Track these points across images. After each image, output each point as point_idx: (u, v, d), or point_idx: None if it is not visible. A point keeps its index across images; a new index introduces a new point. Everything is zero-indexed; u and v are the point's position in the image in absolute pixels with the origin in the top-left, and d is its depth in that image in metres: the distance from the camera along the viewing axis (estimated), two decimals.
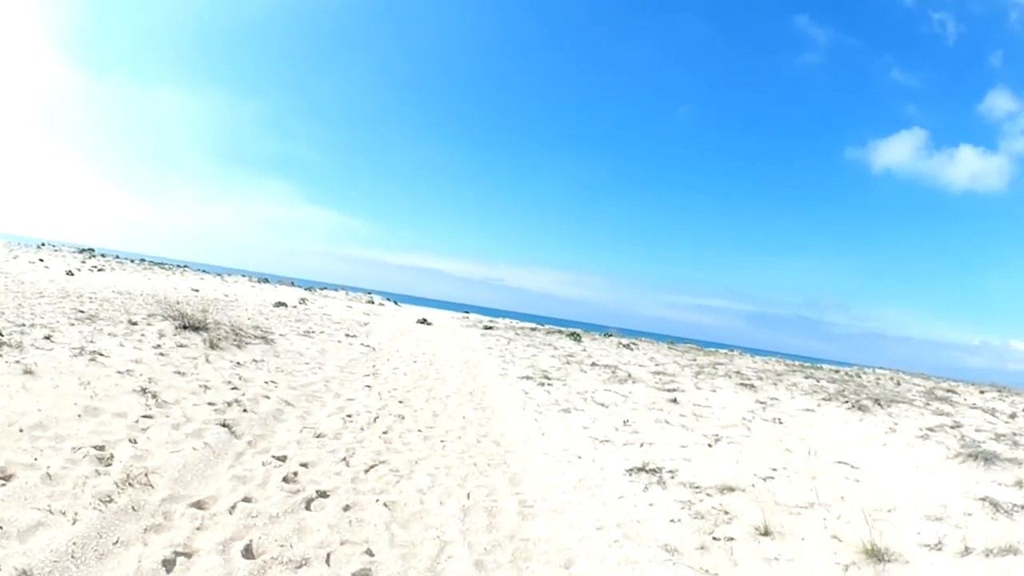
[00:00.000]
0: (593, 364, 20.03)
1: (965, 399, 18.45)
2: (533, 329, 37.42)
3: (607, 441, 10.46)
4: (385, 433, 9.31)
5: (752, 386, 17.09)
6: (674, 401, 14.20)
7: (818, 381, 19.26)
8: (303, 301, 33.48)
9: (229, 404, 9.34)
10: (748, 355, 35.41)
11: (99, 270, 37.17)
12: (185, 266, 58.17)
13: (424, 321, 32.61)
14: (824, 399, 15.39)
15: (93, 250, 55.21)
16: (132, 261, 51.13)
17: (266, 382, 11.30)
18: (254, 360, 12.90)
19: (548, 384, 15.32)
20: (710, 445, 10.73)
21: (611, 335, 36.22)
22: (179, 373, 10.47)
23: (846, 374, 25.40)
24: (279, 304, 28.29)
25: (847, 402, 14.84)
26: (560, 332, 34.71)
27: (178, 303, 21.87)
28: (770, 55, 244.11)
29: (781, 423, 12.79)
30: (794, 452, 10.58)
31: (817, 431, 12.30)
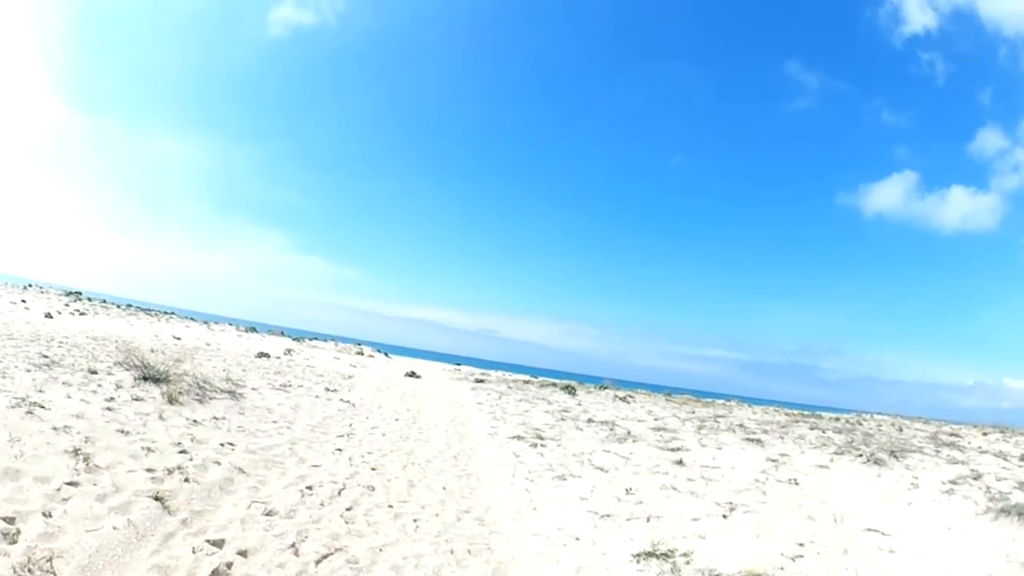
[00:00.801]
0: (589, 420, 18.63)
1: (970, 443, 17.91)
2: (526, 382, 36.05)
3: (608, 516, 9.06)
4: (349, 510, 7.88)
5: (759, 441, 15.85)
6: (679, 463, 12.86)
7: (824, 432, 18.24)
8: (288, 352, 32.10)
9: (170, 471, 7.93)
10: (746, 405, 34.71)
11: (81, 314, 36.22)
12: (172, 313, 56.80)
13: (412, 374, 31.13)
14: (835, 453, 14.28)
15: (80, 293, 54.34)
16: (118, 306, 50.14)
17: (222, 444, 9.90)
18: (214, 418, 11.51)
19: (541, 445, 13.92)
20: (725, 516, 9.45)
21: (606, 387, 34.92)
22: (122, 432, 9.07)
23: (847, 422, 24.72)
24: (261, 355, 26.92)
25: (860, 455, 13.74)
26: (554, 385, 33.34)
27: (152, 351, 20.70)
28: (761, 101, 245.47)
29: (797, 484, 11.60)
30: (818, 520, 9.40)
31: (836, 491, 11.15)
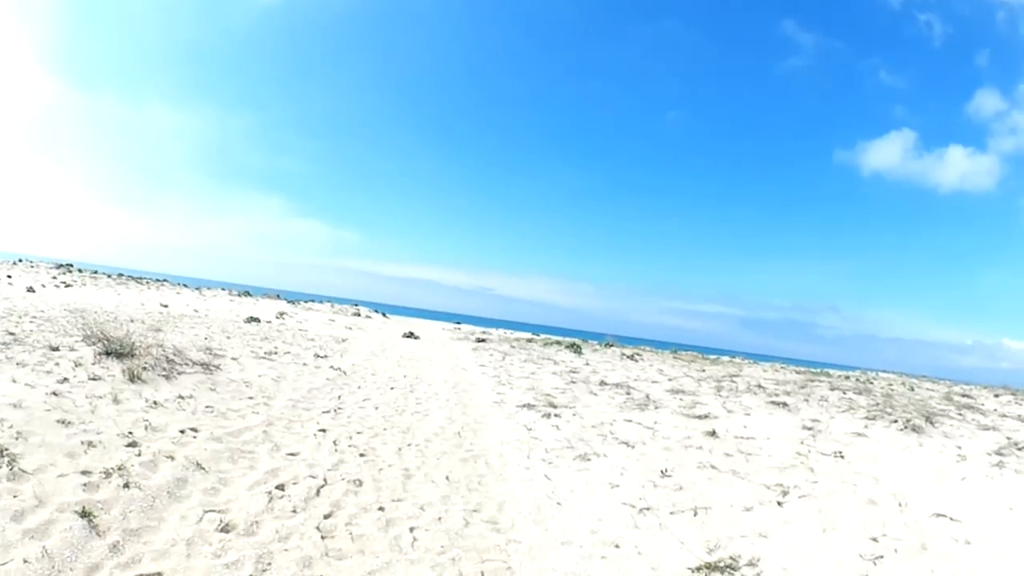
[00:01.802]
0: (602, 383, 17.01)
1: (983, 404, 17.22)
2: (529, 340, 34.46)
3: (648, 509, 7.40)
4: (328, 517, 6.15)
5: (784, 404, 14.47)
6: (712, 434, 11.29)
7: (844, 393, 16.99)
8: (281, 315, 30.41)
9: (109, 474, 6.22)
10: (751, 362, 34.10)
11: (67, 286, 34.95)
12: (165, 280, 55.24)
13: (411, 335, 29.40)
14: (867, 417, 13.03)
15: (72, 265, 52.90)
16: (109, 276, 48.41)
17: (182, 431, 8.22)
18: (179, 397, 9.82)
19: (555, 415, 12.23)
20: (779, 503, 7.87)
21: (611, 345, 33.57)
22: (63, 423, 7.40)
23: (859, 380, 23.68)
24: (251, 319, 25.24)
25: (895, 421, 12.54)
26: (558, 343, 31.75)
27: (131, 321, 19.08)
28: (757, 60, 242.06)
29: (843, 457, 10.15)
30: (881, 505, 7.94)
31: (885, 466, 9.74)
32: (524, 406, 12.96)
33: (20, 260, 53.54)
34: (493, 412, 12.33)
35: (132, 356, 11.16)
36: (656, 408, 13.55)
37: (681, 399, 14.96)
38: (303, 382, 12.78)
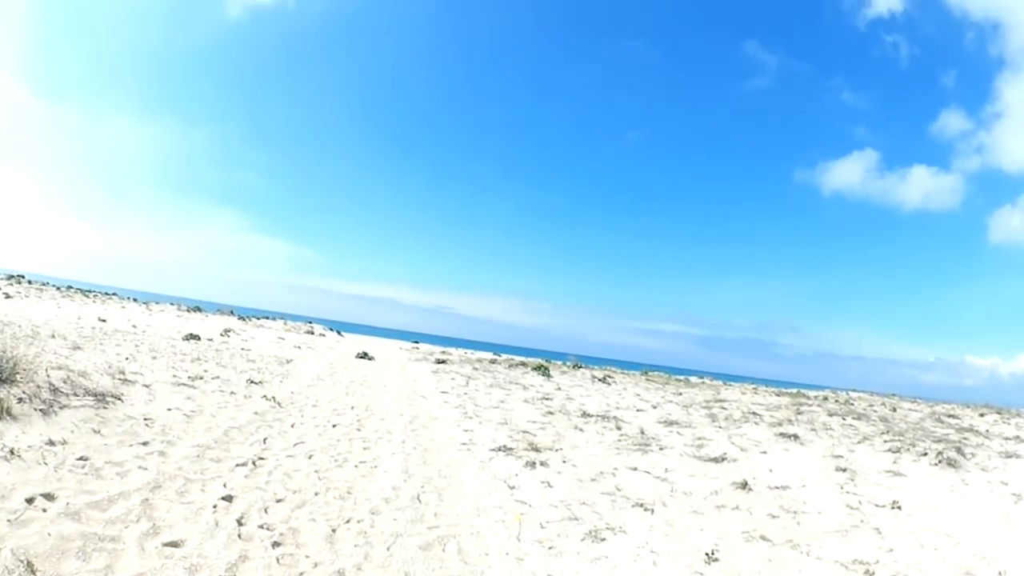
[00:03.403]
0: (584, 414, 14.53)
1: (979, 426, 16.23)
2: (492, 361, 31.62)
3: None
4: None
5: (795, 436, 12.66)
6: (743, 486, 9.11)
7: (844, 419, 15.71)
8: (226, 332, 27.33)
9: None
10: (723, 383, 32.25)
11: (7, 297, 31.74)
12: (115, 294, 51.67)
13: (364, 355, 26.36)
14: (891, 451, 11.60)
15: (24, 276, 49.08)
16: (58, 288, 44.88)
17: (30, 499, 5.64)
18: (48, 443, 7.07)
19: (540, 462, 9.60)
20: None
21: (579, 366, 31.04)
22: None
23: (838, 402, 22.68)
24: (190, 337, 22.19)
25: (923, 454, 11.16)
26: (524, 364, 29.10)
27: (52, 337, 16.13)
28: (719, 80, 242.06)
29: (900, 508, 8.46)
30: None
31: (946, 516, 8.24)
32: (500, 449, 10.24)
33: None
34: (461, 459, 9.59)
35: (9, 382, 8.35)
36: (661, 449, 11.20)
37: (680, 434, 12.75)
38: (223, 418, 9.88)
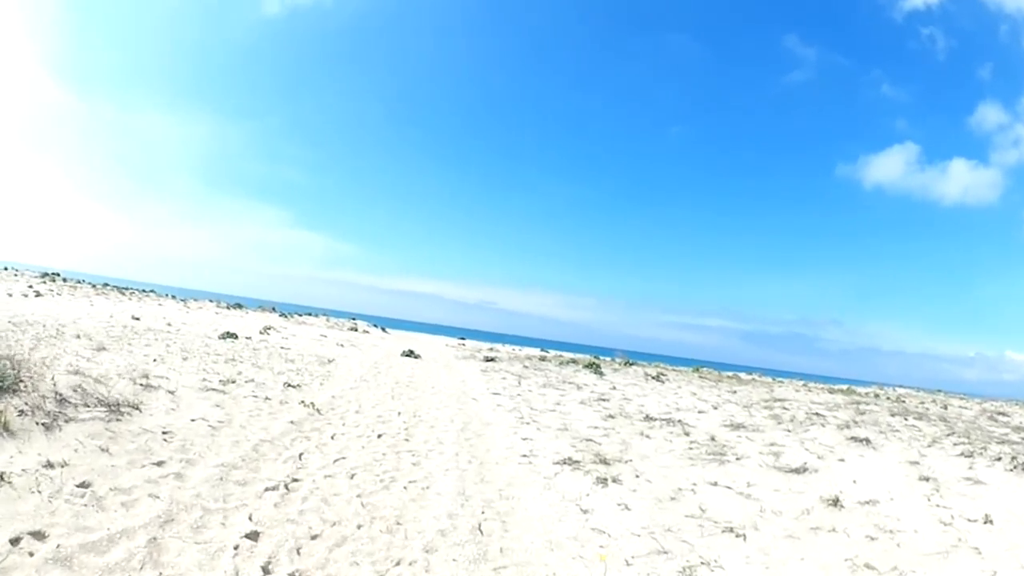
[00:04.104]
0: (647, 417, 13.36)
1: (1021, 422, 16.25)
2: (542, 359, 30.43)
3: None
4: None
5: (867, 440, 11.84)
6: (834, 503, 8.02)
7: (905, 419, 15.16)
8: (267, 330, 26.44)
9: None
10: (772, 379, 31.74)
11: (38, 295, 31.33)
12: (153, 290, 51.36)
13: (410, 354, 25.27)
14: (962, 455, 10.89)
15: (59, 274, 48.98)
16: (93, 286, 44.56)
17: (15, 539, 4.76)
18: (47, 464, 6.11)
19: (612, 479, 8.37)
20: None
21: (630, 363, 29.79)
22: None
23: (888, 399, 22.71)
24: (227, 336, 21.27)
25: (997, 459, 10.50)
26: (575, 362, 27.84)
27: (78, 337, 15.27)
28: (760, 74, 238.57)
29: (991, 523, 7.62)
30: None
31: None
32: (565, 462, 9.03)
33: (6, 268, 50.26)
34: (523, 475, 8.37)
35: (12, 392, 7.42)
36: (737, 459, 9.98)
37: (750, 439, 11.71)
38: (254, 429, 8.80)
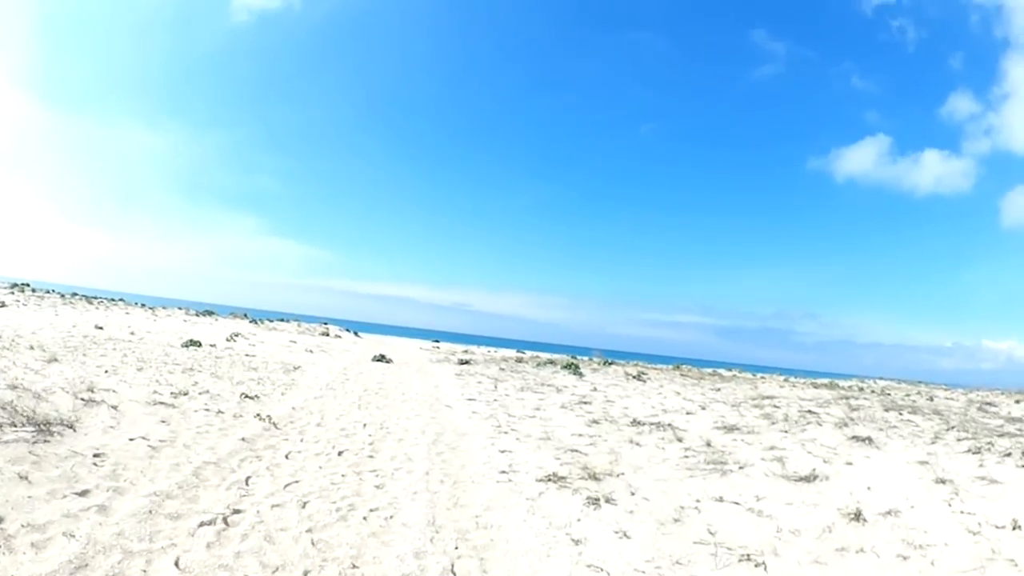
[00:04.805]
0: (635, 422, 12.69)
1: (1010, 413, 16.25)
2: (518, 360, 29.59)
3: None
4: None
5: (869, 440, 11.29)
6: (856, 517, 7.32)
7: (900, 413, 14.76)
8: (233, 337, 25.44)
9: None
10: (753, 375, 32.34)
11: (2, 306, 30.16)
12: (122, 299, 50.01)
13: (382, 358, 24.32)
14: (970, 451, 10.42)
15: (28, 284, 47.67)
16: (62, 295, 43.29)
17: None
18: None
19: (605, 498, 7.58)
20: None
21: (609, 362, 29.11)
22: None
23: (872, 391, 22.73)
24: (190, 343, 20.27)
25: (1007, 454, 10.08)
26: (552, 363, 27.08)
27: (31, 348, 14.24)
28: (729, 69, 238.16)
29: (1021, 528, 7.00)
30: None
31: None
32: (549, 479, 8.20)
33: None
34: (503, 496, 7.52)
35: None
36: (741, 468, 9.30)
37: (747, 443, 11.09)
38: (199, 449, 7.87)
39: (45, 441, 7.07)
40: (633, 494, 7.83)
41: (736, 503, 7.69)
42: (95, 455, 6.99)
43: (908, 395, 21.65)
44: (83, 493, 5.90)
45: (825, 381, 27.83)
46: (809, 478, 8.65)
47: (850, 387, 24.69)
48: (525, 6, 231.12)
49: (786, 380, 27.20)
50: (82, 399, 9.15)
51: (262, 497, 6.43)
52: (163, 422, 8.86)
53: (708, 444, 10.76)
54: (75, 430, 7.71)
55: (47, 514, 5.36)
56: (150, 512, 5.69)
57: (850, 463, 9.67)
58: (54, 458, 6.63)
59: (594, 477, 8.31)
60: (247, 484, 6.78)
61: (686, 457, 9.89)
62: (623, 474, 8.68)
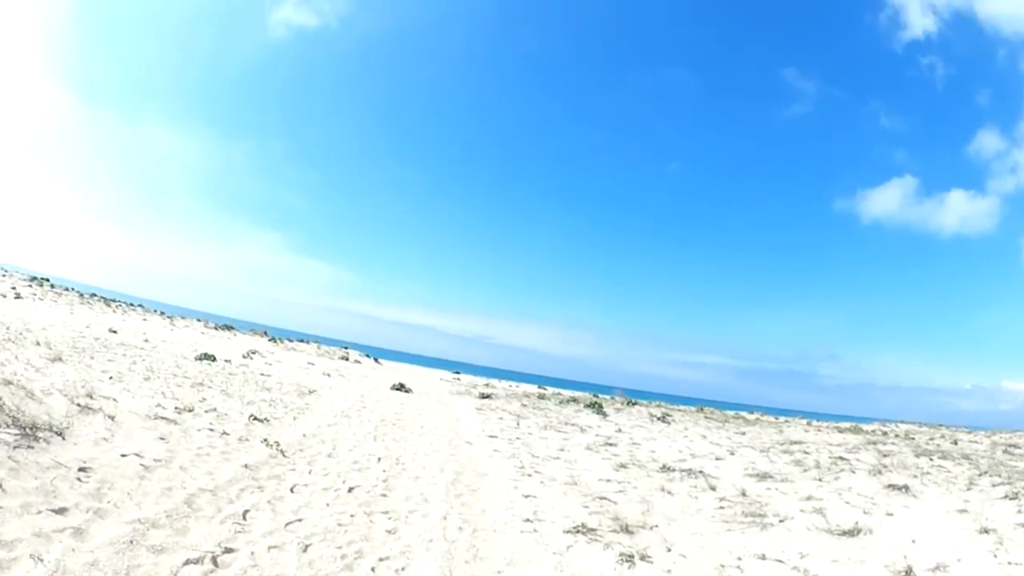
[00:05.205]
0: (664, 468, 12.10)
1: None
2: (541, 396, 28.83)
3: None
4: None
5: (905, 488, 10.48)
6: (906, 575, 6.20)
7: (930, 459, 13.88)
8: (250, 354, 24.86)
9: None
10: (771, 417, 31.80)
11: (17, 297, 30.54)
12: (141, 305, 49.82)
13: (401, 387, 23.64)
14: (1008, 497, 9.74)
15: (48, 279, 47.66)
16: (81, 294, 43.16)
17: None
18: None
19: (640, 555, 6.82)
20: None
21: (633, 402, 28.30)
22: None
23: (896, 435, 21.75)
24: (204, 357, 19.71)
25: None
26: (575, 400, 26.33)
27: (37, 344, 13.72)
28: (758, 108, 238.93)
29: None
30: None
31: None
32: (578, 530, 7.45)
33: None
34: (527, 549, 6.75)
35: None
36: (780, 521, 8.56)
37: (782, 492, 10.40)
38: (196, 473, 7.20)
39: (28, 447, 6.44)
40: (669, 550, 7.09)
41: (780, 560, 6.98)
42: (80, 469, 6.34)
43: (932, 439, 21.00)
44: (60, 511, 5.26)
45: (849, 425, 27.19)
46: (852, 532, 7.95)
47: (873, 431, 24.03)
48: (561, 40, 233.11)
49: (809, 424, 26.55)
50: (78, 404, 8.53)
51: (259, 535, 5.72)
52: (161, 439, 8.20)
53: (743, 493, 10.01)
54: (64, 438, 7.08)
55: (16, 530, 4.75)
56: (131, 542, 5.02)
57: (890, 514, 9.00)
58: (35, 467, 5.99)
59: (626, 530, 7.56)
60: (244, 518, 6.08)
61: (721, 508, 9.16)
62: (657, 526, 7.94)
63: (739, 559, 7.00)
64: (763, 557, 7.09)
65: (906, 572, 6.57)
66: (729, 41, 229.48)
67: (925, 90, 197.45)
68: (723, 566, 6.73)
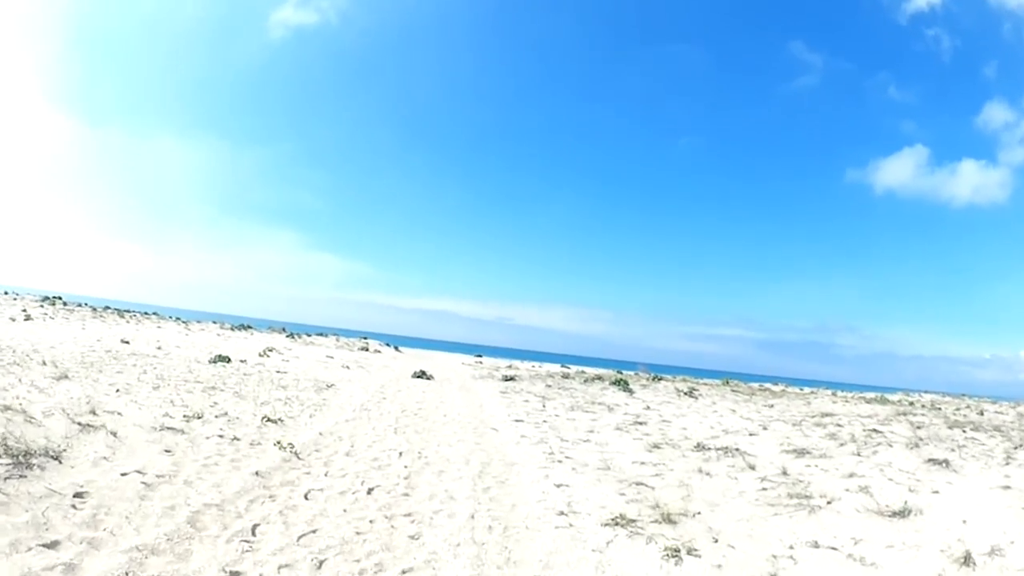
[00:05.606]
0: (698, 446, 11.58)
1: None
2: (565, 376, 28.41)
3: None
4: None
5: (946, 463, 10.08)
6: (965, 562, 6.39)
7: (964, 430, 13.61)
8: (266, 352, 24.52)
9: None
10: (796, 388, 31.94)
11: (27, 319, 29.91)
12: (156, 313, 49.68)
13: (422, 375, 23.22)
14: None
15: (60, 298, 47.69)
16: (93, 309, 43.03)
17: None
18: None
19: (687, 548, 6.32)
20: None
21: (660, 378, 27.99)
22: None
23: (923, 406, 21.54)
24: (219, 359, 19.36)
25: None
26: (600, 378, 25.86)
27: (43, 364, 13.37)
28: (766, 81, 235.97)
29: None
30: None
31: None
32: (616, 522, 6.95)
33: (6, 292, 49.60)
34: (564, 547, 6.25)
35: None
36: (828, 502, 8.04)
37: (822, 468, 9.97)
38: (203, 487, 6.75)
39: (21, 476, 6.02)
40: (716, 540, 6.59)
41: (834, 548, 6.49)
42: (76, 495, 5.91)
43: (959, 409, 21.02)
44: (52, 545, 4.84)
45: (874, 395, 26.95)
46: (903, 513, 7.44)
47: (899, 401, 23.90)
48: (563, 19, 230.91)
49: (835, 395, 26.18)
50: (79, 423, 8.12)
51: (268, 554, 5.24)
52: (167, 451, 7.77)
53: (784, 472, 9.52)
54: (60, 462, 6.66)
55: (4, 572, 4.31)
56: (126, 574, 4.58)
57: (936, 491, 8.52)
58: (26, 498, 5.57)
59: (668, 519, 7.06)
60: (253, 534, 5.62)
61: (764, 489, 8.66)
62: (699, 513, 7.45)
63: (791, 548, 6.51)
64: (816, 545, 6.58)
65: (964, 558, 6.06)
66: (735, 15, 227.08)
67: (931, 62, 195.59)
68: (775, 556, 6.23)
